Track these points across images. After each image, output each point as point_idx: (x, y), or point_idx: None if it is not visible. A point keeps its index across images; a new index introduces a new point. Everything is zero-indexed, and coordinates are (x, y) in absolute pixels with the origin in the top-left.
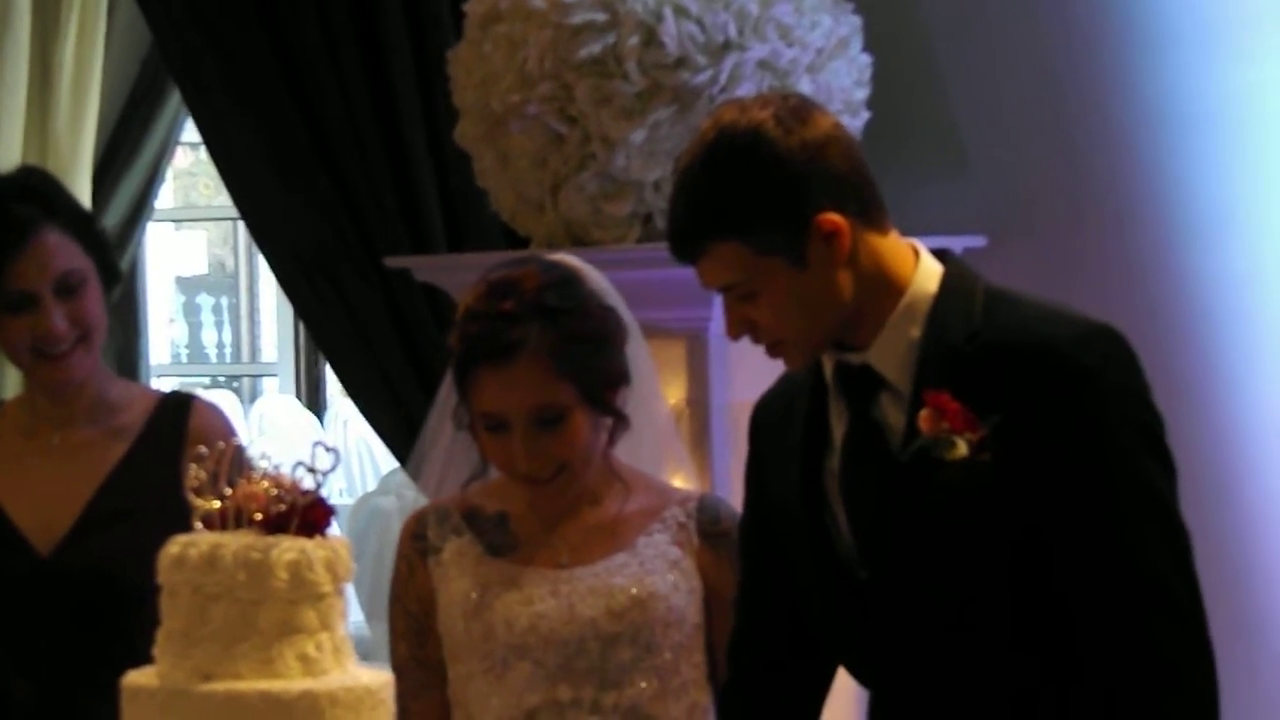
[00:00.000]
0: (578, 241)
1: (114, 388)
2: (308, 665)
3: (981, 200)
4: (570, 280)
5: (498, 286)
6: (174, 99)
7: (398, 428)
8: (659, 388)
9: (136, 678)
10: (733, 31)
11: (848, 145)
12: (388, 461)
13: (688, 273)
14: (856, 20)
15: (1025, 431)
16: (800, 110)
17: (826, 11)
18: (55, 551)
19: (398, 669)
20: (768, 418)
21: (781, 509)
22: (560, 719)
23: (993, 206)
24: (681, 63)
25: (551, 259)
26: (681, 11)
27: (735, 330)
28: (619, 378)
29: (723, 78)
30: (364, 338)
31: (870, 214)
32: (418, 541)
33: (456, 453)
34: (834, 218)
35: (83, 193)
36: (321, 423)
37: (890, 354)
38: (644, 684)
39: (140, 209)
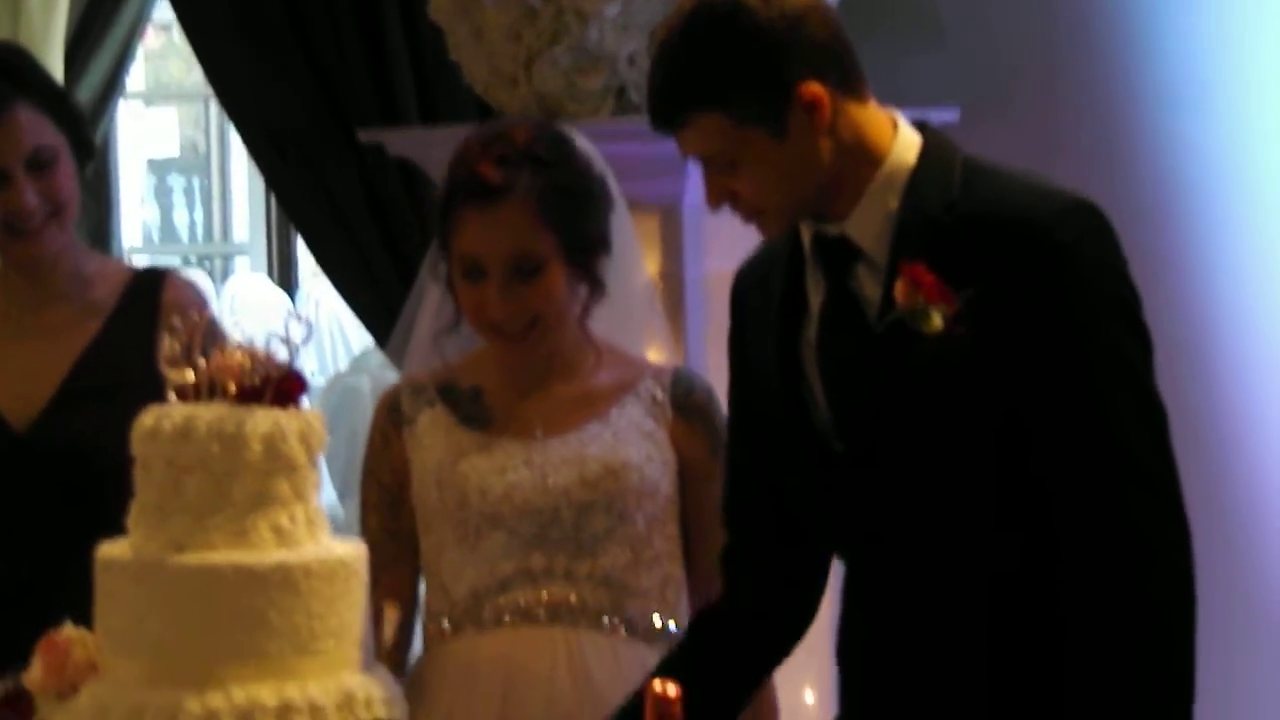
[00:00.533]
0: (551, 115)
1: (89, 263)
2: (281, 537)
3: (956, 72)
4: (562, 138)
5: (489, 134)
6: None
7: (372, 303)
8: (641, 261)
9: (110, 549)
10: None
11: (826, 13)
12: (360, 341)
13: (661, 146)
14: None
15: (1001, 304)
16: None
17: None
18: (31, 429)
19: (369, 542)
20: (746, 285)
21: (759, 379)
22: (533, 587)
23: (967, 79)
24: None
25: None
26: None
27: (715, 201)
28: (601, 243)
29: None
30: (338, 214)
31: (850, 83)
32: (393, 414)
33: (443, 317)
34: (815, 87)
35: (54, 69)
36: (293, 302)
37: (867, 224)
38: (617, 553)
39: (112, 87)
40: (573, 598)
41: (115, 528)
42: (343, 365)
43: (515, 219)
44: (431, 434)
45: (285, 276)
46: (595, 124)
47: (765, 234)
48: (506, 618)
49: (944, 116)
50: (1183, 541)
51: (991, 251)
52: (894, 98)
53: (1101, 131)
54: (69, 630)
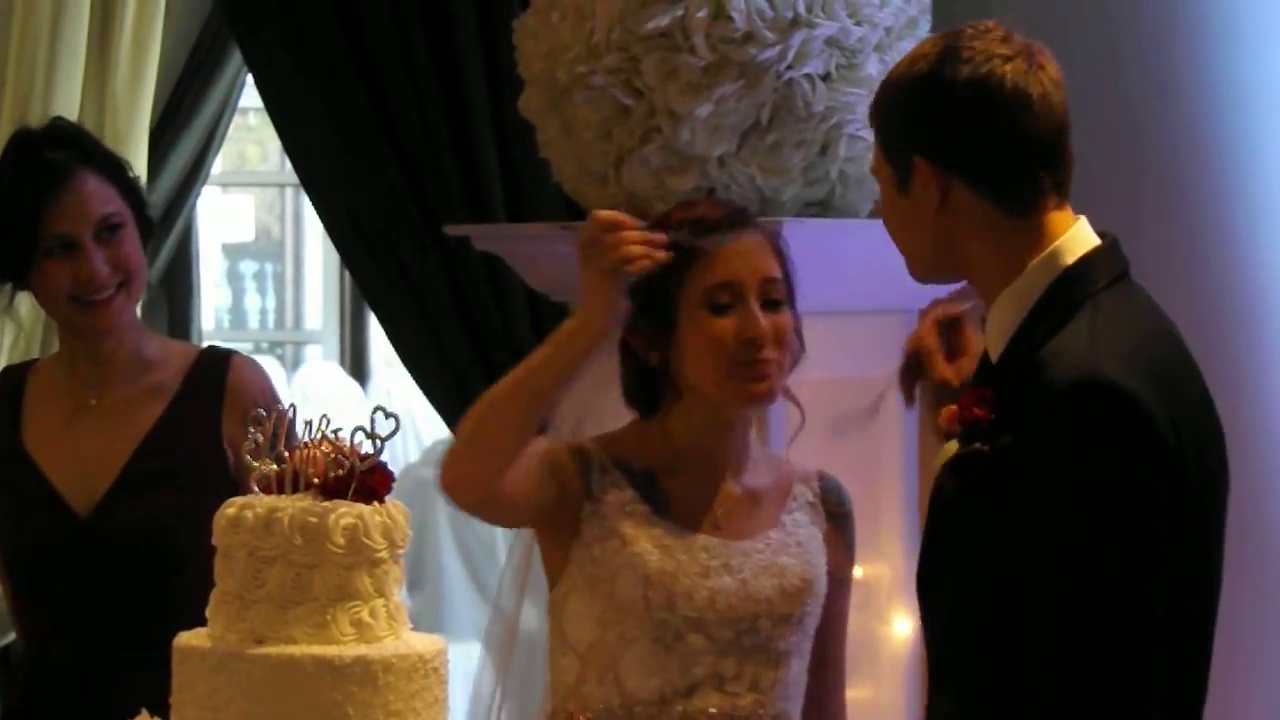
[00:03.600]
0: (640, 215)
1: (150, 344)
2: (362, 631)
3: None
4: None
5: (682, 202)
6: (233, 62)
7: (449, 394)
8: None
9: (189, 639)
10: (801, 8)
11: (993, 118)
12: (430, 432)
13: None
14: (925, 0)
15: (1009, 466)
16: (969, 61)
17: None
18: (94, 512)
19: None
20: None
21: None
22: (719, 693)
23: None
24: (749, 38)
25: None
26: None
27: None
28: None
29: (790, 54)
30: (420, 305)
31: (991, 191)
32: (585, 468)
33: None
34: (926, 169)
35: (139, 154)
36: (364, 392)
37: (993, 333)
38: (796, 664)
39: (196, 173)
40: (760, 708)
41: (175, 614)
42: (413, 456)
43: (760, 244)
44: (625, 522)
45: (357, 365)
46: None
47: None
48: None
49: None
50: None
51: (1027, 405)
52: None
53: (1189, 239)
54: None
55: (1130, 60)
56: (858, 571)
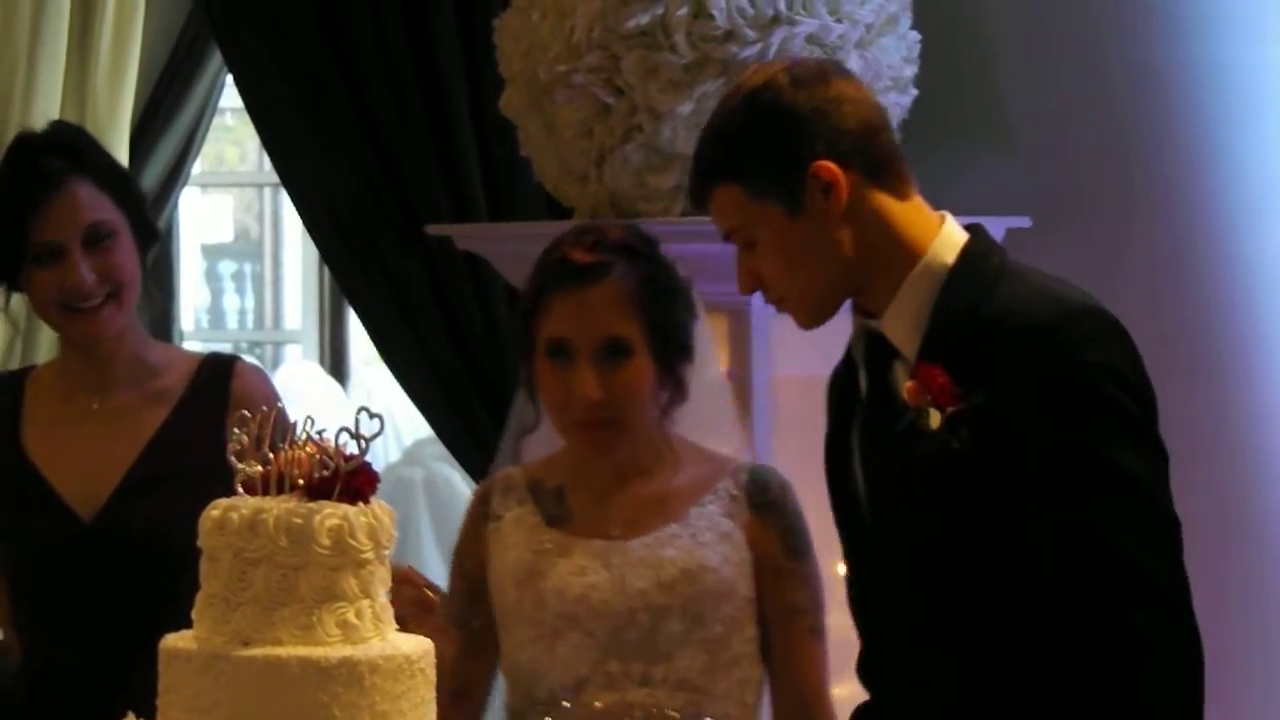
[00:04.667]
0: (621, 213)
1: (152, 351)
2: (348, 632)
3: (1029, 181)
4: (653, 239)
5: (581, 229)
6: (214, 62)
7: (434, 396)
8: (716, 362)
9: (175, 641)
10: (782, 5)
11: (863, 107)
12: (411, 432)
13: (731, 247)
14: None
15: (1004, 410)
16: (819, 71)
17: None
18: (97, 517)
19: (454, 625)
20: (832, 380)
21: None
22: (610, 689)
23: (1040, 187)
24: (730, 36)
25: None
26: None
27: (743, 284)
28: (686, 347)
29: (771, 51)
30: (401, 304)
31: (881, 175)
32: (482, 506)
33: (523, 420)
34: (831, 166)
35: (120, 155)
36: (345, 391)
37: (900, 321)
38: (694, 656)
39: (177, 173)
40: (650, 702)
41: (180, 618)
42: (394, 456)
43: (606, 301)
44: (515, 532)
45: (337, 365)
46: (665, 223)
47: (798, 324)
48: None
49: (1016, 224)
50: (1185, 650)
51: (1001, 357)
52: (962, 205)
53: (1173, 240)
54: None
55: (1115, 61)
56: (841, 569)
